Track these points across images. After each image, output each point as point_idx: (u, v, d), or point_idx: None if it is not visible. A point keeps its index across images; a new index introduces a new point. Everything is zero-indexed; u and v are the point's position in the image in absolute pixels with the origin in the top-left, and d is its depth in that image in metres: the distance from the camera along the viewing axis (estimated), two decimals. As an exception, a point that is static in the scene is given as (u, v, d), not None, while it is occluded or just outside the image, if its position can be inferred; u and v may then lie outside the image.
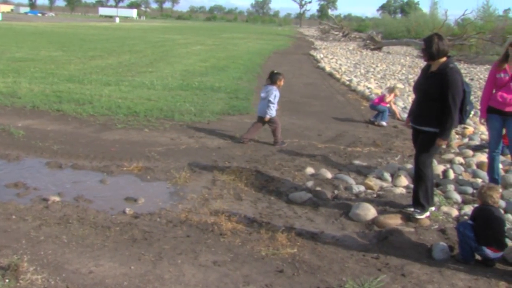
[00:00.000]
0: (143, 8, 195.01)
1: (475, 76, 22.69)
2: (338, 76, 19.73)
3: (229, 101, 12.60)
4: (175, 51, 27.94)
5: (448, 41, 30.11)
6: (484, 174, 7.38)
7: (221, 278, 4.23)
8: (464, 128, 10.33)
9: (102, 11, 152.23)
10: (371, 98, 13.32)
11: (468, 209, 5.98)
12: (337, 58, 29.45)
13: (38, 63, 18.77)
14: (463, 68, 26.71)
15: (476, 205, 5.53)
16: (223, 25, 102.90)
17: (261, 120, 8.83)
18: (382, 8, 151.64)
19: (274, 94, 8.68)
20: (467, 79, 21.21)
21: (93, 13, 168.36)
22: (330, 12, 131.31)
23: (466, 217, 5.62)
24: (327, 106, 13.11)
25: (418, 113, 5.74)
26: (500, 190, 6.78)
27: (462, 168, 7.77)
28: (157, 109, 10.97)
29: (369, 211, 5.77)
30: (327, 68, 22.38)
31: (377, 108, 11.13)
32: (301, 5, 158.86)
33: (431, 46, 5.44)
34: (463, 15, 44.41)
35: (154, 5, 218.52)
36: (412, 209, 5.77)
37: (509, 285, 4.38)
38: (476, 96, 14.80)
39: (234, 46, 35.73)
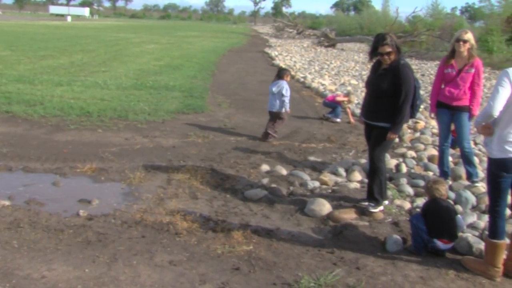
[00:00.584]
0: (95, 7, 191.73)
1: (426, 72, 23.20)
2: (292, 73, 19.81)
3: (184, 100, 12.54)
4: (128, 50, 27.58)
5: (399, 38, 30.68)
6: (435, 167, 7.57)
7: (177, 277, 4.21)
8: (416, 122, 10.56)
9: (53, 9, 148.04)
10: (326, 95, 13.47)
11: (420, 202, 6.12)
12: (292, 55, 29.63)
13: (-15, 63, 18.22)
14: (414, 64, 27.27)
15: (425, 199, 5.67)
16: (177, 23, 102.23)
17: (274, 114, 9.20)
18: (336, 5, 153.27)
19: (286, 87, 9.11)
20: (418, 75, 21.67)
21: (43, 11, 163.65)
22: (284, 9, 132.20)
23: (418, 210, 5.74)
24: (282, 103, 13.12)
25: (370, 108, 5.81)
26: (450, 182, 6.98)
27: (414, 162, 7.95)
28: (110, 109, 10.82)
29: (324, 207, 5.84)
30: (282, 66, 22.46)
31: (331, 104, 11.30)
32: (256, 3, 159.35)
33: (394, 43, 5.56)
34: (413, 12, 45.44)
35: (107, 4, 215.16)
36: (366, 203, 5.87)
37: (458, 273, 4.53)
38: (427, 91, 15.12)
39: (188, 44, 35.54)
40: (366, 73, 21.23)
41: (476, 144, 9.13)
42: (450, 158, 7.66)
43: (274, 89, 9.08)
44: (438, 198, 5.05)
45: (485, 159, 7.75)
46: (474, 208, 6.30)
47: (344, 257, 4.74)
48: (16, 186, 6.25)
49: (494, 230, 4.52)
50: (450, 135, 7.15)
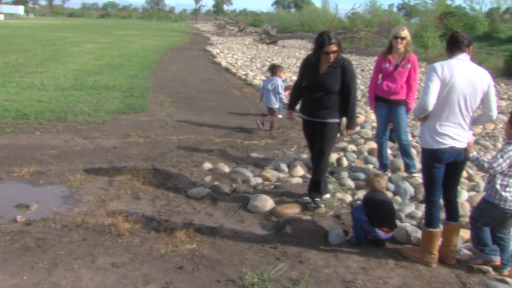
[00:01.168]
0: (31, 5, 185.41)
1: (365, 67, 23.65)
2: (234, 70, 19.90)
3: (125, 99, 12.35)
4: (67, 50, 26.85)
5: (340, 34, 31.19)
6: (374, 160, 7.76)
7: (119, 279, 4.16)
8: (356, 116, 10.76)
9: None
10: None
11: (361, 194, 6.27)
12: (233, 53, 29.65)
13: None
14: (354, 59, 27.78)
15: (366, 192, 5.82)
16: (117, 22, 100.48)
17: (271, 109, 9.76)
18: (277, 3, 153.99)
19: (280, 84, 9.82)
20: (358, 70, 22.11)
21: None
22: (225, 7, 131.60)
23: (359, 202, 5.88)
24: (224, 101, 13.20)
25: (318, 107, 5.79)
26: (389, 174, 7.18)
27: (354, 156, 8.13)
28: (48, 110, 10.53)
29: (267, 202, 5.89)
30: (223, 63, 22.49)
31: None
32: (197, 1, 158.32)
33: (338, 41, 5.64)
34: (352, 9, 46.18)
35: (43, 2, 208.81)
36: (309, 198, 5.98)
37: (397, 261, 4.69)
38: (367, 86, 15.42)
39: (129, 43, 34.99)
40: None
41: (413, 136, 9.41)
42: (389, 151, 7.87)
43: (269, 86, 9.54)
44: (379, 190, 5.22)
45: (421, 150, 8.00)
46: (413, 198, 6.51)
47: (287, 252, 4.80)
48: (-52, 193, 6.01)
49: (430, 219, 4.71)
50: (388, 128, 7.35)
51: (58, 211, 5.55)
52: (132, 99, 12.39)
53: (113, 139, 8.65)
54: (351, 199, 6.37)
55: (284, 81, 15.95)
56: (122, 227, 5.13)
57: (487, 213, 4.48)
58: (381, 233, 4.96)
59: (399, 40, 6.85)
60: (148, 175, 6.82)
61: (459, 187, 5.13)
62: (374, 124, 9.93)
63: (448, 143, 4.46)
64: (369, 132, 9.71)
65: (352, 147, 8.59)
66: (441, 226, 4.82)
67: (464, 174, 7.04)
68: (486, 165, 4.38)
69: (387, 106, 7.10)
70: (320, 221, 5.53)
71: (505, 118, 10.40)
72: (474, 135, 9.60)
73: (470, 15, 43.76)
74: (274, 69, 10.09)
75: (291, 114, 6.41)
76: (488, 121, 4.86)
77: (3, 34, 39.36)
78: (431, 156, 4.56)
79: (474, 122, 4.64)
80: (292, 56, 29.56)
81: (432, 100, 4.38)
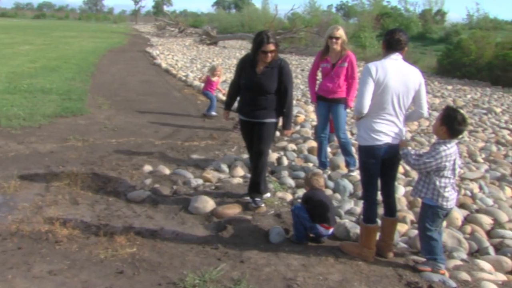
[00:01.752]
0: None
1: (305, 67, 23.93)
2: (174, 72, 19.75)
3: (62, 102, 12.04)
4: (-1, 52, 25.99)
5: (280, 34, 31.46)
6: (314, 158, 7.89)
7: (57, 287, 4.08)
8: (296, 116, 10.91)
9: None
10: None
11: (301, 193, 6.34)
12: (174, 54, 29.39)
13: None
14: (294, 59, 28.15)
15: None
16: (54, 23, 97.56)
17: None
18: (217, 3, 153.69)
19: None
20: (298, 70, 22.41)
21: None
22: (165, 8, 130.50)
23: (299, 200, 5.97)
24: (164, 103, 13.09)
25: (255, 107, 5.82)
26: (328, 172, 7.32)
27: (294, 155, 8.23)
28: (-20, 115, 10.17)
29: (208, 203, 5.90)
30: (163, 65, 22.29)
31: (207, 94, 11.51)
32: (136, 2, 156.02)
33: (275, 41, 5.68)
34: (292, 10, 46.58)
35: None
36: (250, 198, 6.02)
37: (337, 257, 4.81)
38: (308, 85, 15.65)
39: (66, 45, 34.10)
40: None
41: (352, 134, 9.61)
42: (329, 149, 8.02)
43: None
44: (317, 189, 5.32)
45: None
46: (352, 195, 6.67)
47: (229, 252, 4.82)
48: None
49: (368, 215, 4.84)
50: (328, 127, 7.49)
51: (-9, 220, 5.37)
52: (69, 102, 12.09)
53: (50, 144, 8.43)
54: (292, 197, 6.46)
55: (224, 81, 16.02)
56: (59, 234, 5.01)
57: (436, 217, 4.53)
58: (322, 229, 5.06)
59: (334, 40, 6.99)
60: (87, 180, 6.69)
61: (396, 183, 5.26)
62: (314, 123, 10.11)
63: (383, 139, 4.60)
64: (309, 131, 9.87)
65: (292, 146, 8.70)
66: (379, 222, 4.96)
67: (401, 169, 7.25)
68: (412, 161, 4.52)
69: (326, 104, 7.24)
70: (261, 220, 5.58)
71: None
72: (409, 131, 9.91)
73: (405, 15, 45.06)
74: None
75: (228, 114, 6.41)
76: (419, 118, 5.03)
77: None
78: (367, 153, 4.69)
79: (407, 119, 4.81)
80: (233, 56, 29.56)
81: (367, 103, 4.53)
